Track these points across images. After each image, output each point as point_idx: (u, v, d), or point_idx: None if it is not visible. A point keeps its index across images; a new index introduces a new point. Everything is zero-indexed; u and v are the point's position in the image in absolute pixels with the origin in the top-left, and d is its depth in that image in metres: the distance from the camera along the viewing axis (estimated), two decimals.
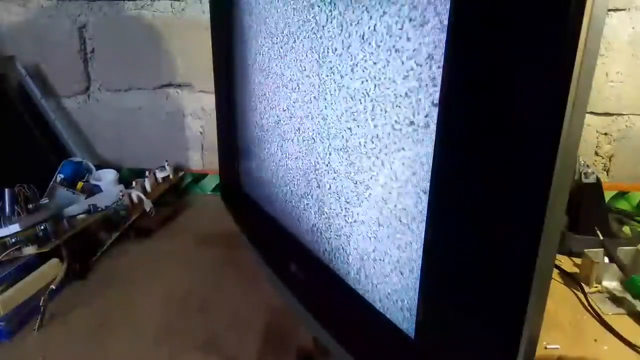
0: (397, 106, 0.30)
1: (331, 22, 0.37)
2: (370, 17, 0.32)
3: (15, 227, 0.64)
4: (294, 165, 0.47)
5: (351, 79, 0.35)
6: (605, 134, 0.92)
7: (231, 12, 0.61)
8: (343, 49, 0.35)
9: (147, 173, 0.92)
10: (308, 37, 0.41)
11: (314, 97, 0.41)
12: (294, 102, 0.45)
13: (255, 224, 0.62)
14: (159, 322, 0.57)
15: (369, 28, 0.32)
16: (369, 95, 0.33)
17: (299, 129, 0.45)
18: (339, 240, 0.40)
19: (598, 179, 0.72)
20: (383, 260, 0.34)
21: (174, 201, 0.96)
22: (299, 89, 0.44)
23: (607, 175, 0.94)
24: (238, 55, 0.61)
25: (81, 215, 0.75)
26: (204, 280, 0.67)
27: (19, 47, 0.96)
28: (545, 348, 0.49)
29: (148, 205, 0.85)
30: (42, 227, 0.66)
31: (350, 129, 0.36)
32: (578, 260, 0.65)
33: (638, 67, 0.85)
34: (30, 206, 0.72)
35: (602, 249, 0.63)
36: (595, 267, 0.60)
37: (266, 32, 0.50)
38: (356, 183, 0.36)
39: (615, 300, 0.57)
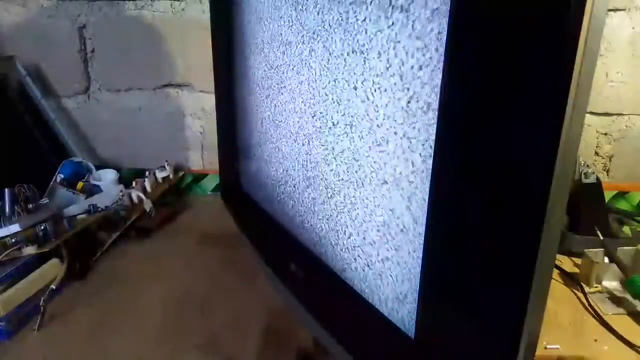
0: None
1: (333, 20, 0.36)
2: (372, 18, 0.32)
3: (15, 227, 0.64)
4: (294, 164, 0.47)
5: (354, 79, 0.35)
6: (605, 134, 0.92)
7: (231, 12, 0.61)
8: (344, 48, 0.35)
9: (147, 173, 0.92)
10: (309, 37, 0.41)
11: (314, 96, 0.41)
12: (294, 102, 0.45)
13: (255, 224, 0.62)
14: (159, 322, 0.57)
15: (370, 31, 0.32)
16: (371, 98, 0.33)
17: (299, 128, 0.45)
18: (339, 240, 0.40)
19: (598, 179, 0.72)
20: (383, 260, 0.34)
21: (174, 201, 0.96)
22: (299, 88, 0.44)
23: (607, 175, 0.94)
24: (238, 55, 0.61)
25: (81, 215, 0.75)
26: (204, 280, 0.67)
27: (19, 47, 0.96)
28: (545, 348, 0.49)
29: (148, 205, 0.85)
30: (42, 227, 0.66)
31: (351, 127, 0.36)
32: (578, 260, 0.65)
33: (638, 67, 0.85)
34: (30, 206, 0.72)
35: (602, 249, 0.63)
36: (595, 267, 0.60)
37: (266, 31, 0.50)
38: (356, 183, 0.36)
39: (615, 300, 0.57)
